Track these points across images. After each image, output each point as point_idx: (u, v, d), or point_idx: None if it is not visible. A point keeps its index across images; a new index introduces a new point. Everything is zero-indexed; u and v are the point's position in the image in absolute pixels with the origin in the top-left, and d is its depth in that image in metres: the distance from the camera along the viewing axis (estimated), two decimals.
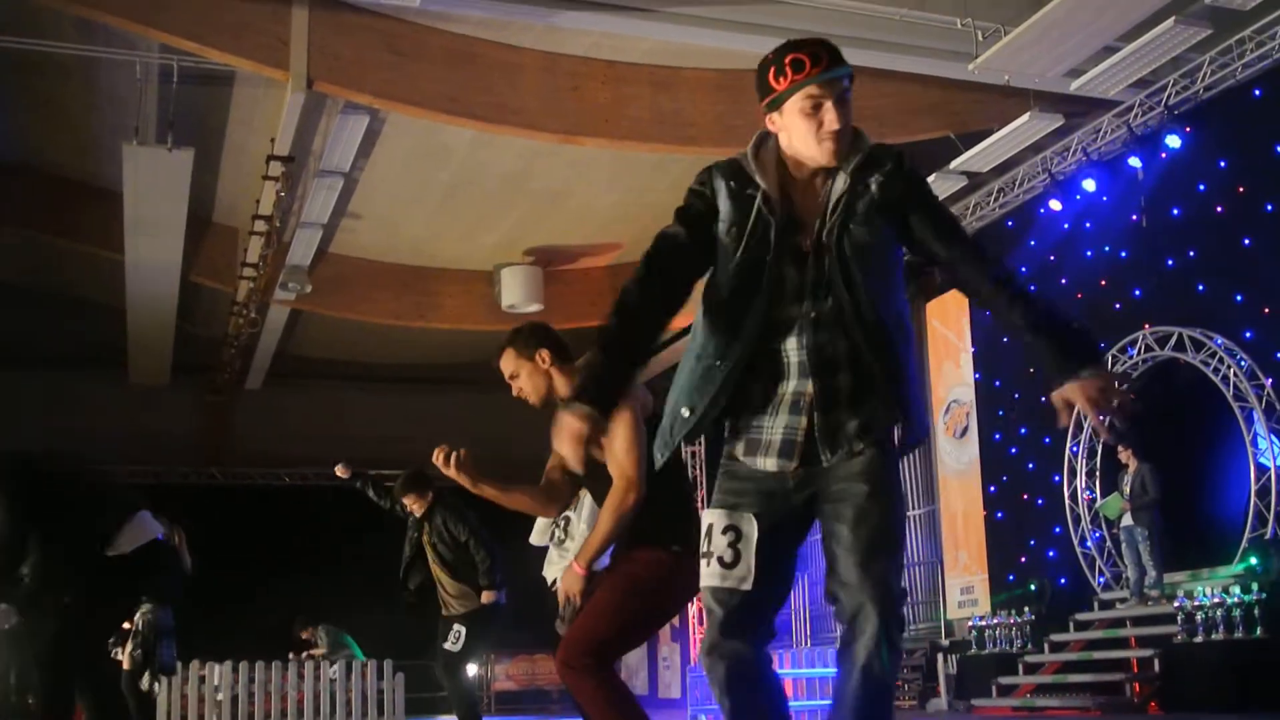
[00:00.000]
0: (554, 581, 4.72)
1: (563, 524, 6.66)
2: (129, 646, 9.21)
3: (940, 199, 3.01)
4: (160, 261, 12.51)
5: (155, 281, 13.03)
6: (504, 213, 13.12)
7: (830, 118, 2.91)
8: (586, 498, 5.48)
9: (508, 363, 4.39)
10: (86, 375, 16.11)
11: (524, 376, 4.35)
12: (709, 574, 2.91)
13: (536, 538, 6.30)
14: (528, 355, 4.33)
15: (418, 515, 7.49)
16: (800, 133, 2.94)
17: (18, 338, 15.35)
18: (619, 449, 4.16)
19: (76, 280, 14.25)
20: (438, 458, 4.22)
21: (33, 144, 11.67)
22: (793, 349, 2.93)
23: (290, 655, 13.26)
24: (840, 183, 2.93)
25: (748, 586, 2.86)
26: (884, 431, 2.91)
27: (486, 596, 7.19)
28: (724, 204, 2.99)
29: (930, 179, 11.18)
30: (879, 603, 2.79)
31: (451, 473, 4.25)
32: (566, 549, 6.62)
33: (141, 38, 9.49)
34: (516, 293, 14.01)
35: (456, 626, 7.15)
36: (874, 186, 2.92)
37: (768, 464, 2.94)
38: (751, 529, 2.90)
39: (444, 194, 12.67)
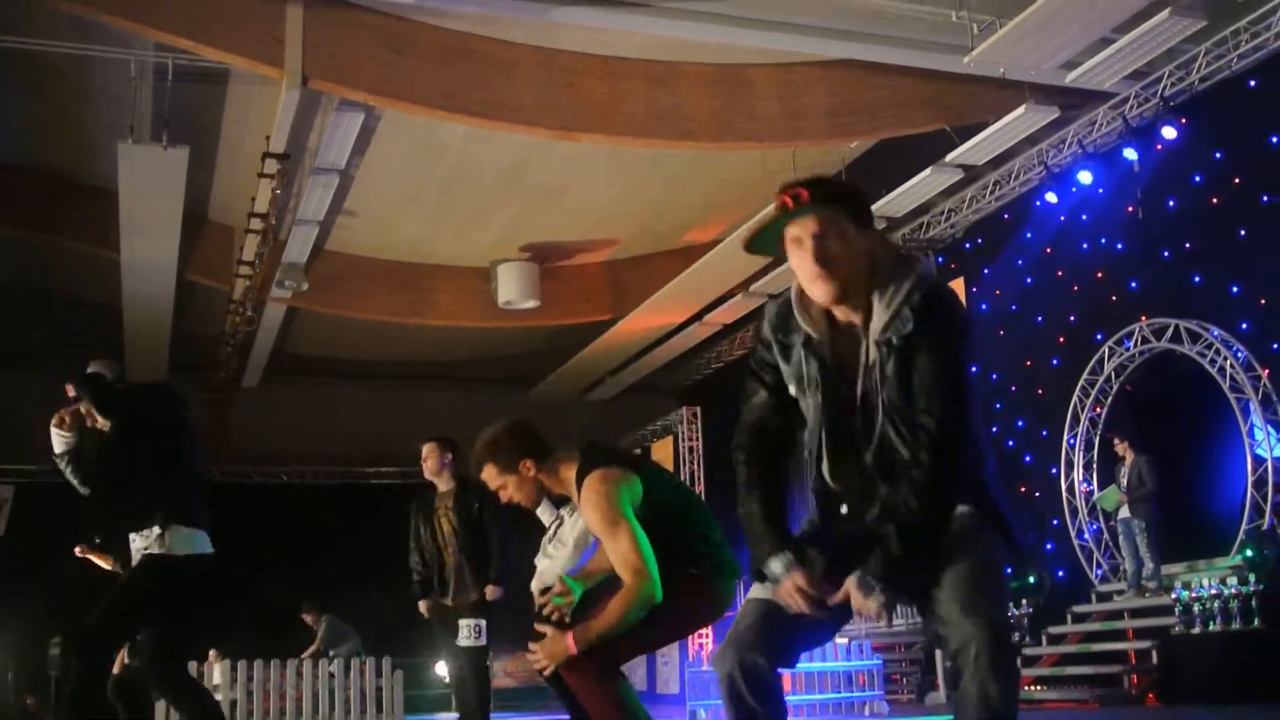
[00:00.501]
0: (545, 589, 4.71)
1: (555, 525, 6.68)
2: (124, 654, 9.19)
3: (958, 352, 2.89)
4: (156, 260, 12.48)
5: (151, 280, 13.00)
6: (500, 209, 13.11)
7: (803, 259, 2.88)
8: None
9: (491, 478, 4.31)
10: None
11: (512, 488, 4.28)
12: (762, 588, 2.96)
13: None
14: (512, 469, 4.25)
15: (443, 490, 7.21)
16: (799, 275, 2.93)
17: (14, 336, 15.32)
18: (618, 545, 4.03)
19: (72, 278, 14.21)
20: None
21: (27, 142, 11.64)
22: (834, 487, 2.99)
23: (291, 658, 13.26)
24: (871, 347, 2.90)
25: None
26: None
27: (493, 592, 7.01)
28: (781, 362, 3.00)
29: (926, 172, 11.29)
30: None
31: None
32: (550, 554, 6.66)
33: (136, 36, 9.46)
34: (513, 289, 14.00)
35: (475, 621, 6.88)
36: (897, 341, 2.87)
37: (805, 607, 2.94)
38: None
39: (440, 190, 12.66)
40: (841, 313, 2.95)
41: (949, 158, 11.19)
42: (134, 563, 5.10)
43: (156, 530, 5.01)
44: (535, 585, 6.45)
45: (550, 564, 6.51)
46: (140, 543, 5.08)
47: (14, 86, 10.54)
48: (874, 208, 12.18)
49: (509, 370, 17.52)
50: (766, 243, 2.97)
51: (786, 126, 10.63)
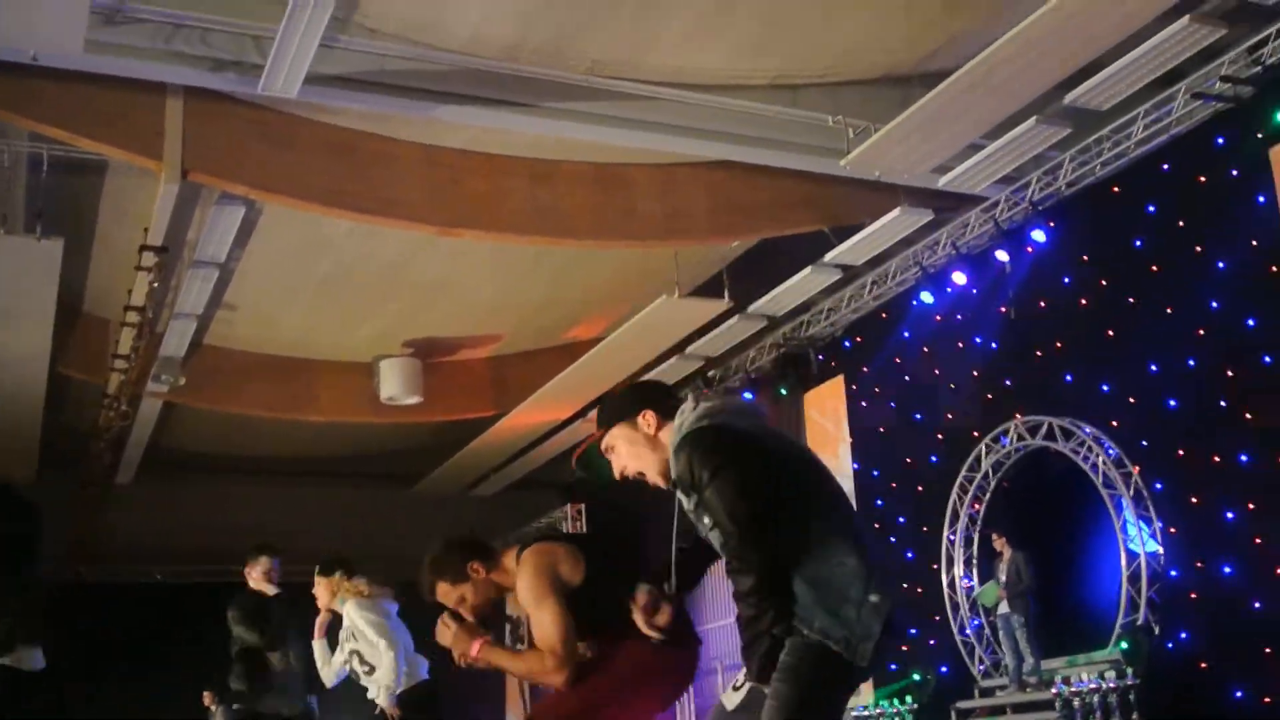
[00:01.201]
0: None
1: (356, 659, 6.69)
2: None
3: (715, 487, 3.23)
4: (28, 352, 12.18)
5: (22, 372, 12.66)
6: (383, 304, 13.04)
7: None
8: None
9: (446, 595, 4.42)
10: None
11: (470, 596, 4.40)
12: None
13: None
14: (463, 577, 4.41)
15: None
16: None
17: None
18: (541, 620, 4.17)
19: None
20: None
21: None
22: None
23: None
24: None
25: None
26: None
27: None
28: None
29: (805, 272, 11.49)
30: None
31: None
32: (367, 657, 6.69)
33: (10, 125, 9.31)
34: (395, 385, 13.89)
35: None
36: (683, 500, 3.38)
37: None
38: None
39: (322, 285, 12.56)
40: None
41: (827, 257, 11.40)
42: None
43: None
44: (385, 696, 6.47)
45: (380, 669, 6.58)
46: None
47: None
48: (754, 307, 12.41)
49: (393, 466, 17.32)
50: (598, 467, 3.66)
51: (667, 225, 10.77)
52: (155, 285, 10.94)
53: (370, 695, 6.76)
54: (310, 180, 9.89)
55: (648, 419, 3.53)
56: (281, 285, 12.54)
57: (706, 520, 3.25)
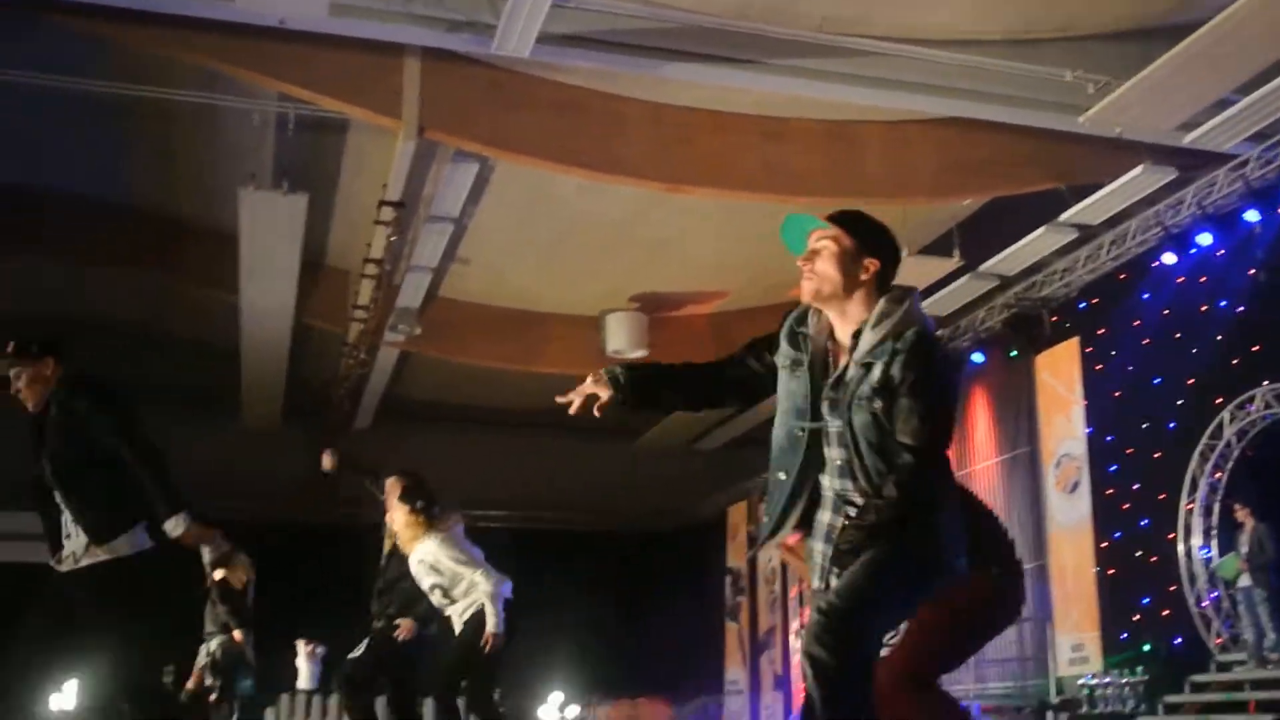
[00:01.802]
0: None
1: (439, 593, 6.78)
2: (203, 674, 9.57)
3: (929, 386, 3.29)
4: (274, 304, 12.79)
5: (269, 323, 13.32)
6: (611, 260, 13.20)
7: (802, 259, 3.49)
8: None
9: None
10: (200, 418, 16.45)
11: None
12: None
13: None
14: None
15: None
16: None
17: (133, 380, 15.67)
18: None
19: (191, 323, 14.58)
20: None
21: (151, 187, 12.01)
22: (827, 485, 3.42)
23: None
24: (854, 367, 3.37)
25: None
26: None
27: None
28: (784, 343, 3.56)
29: (1040, 231, 11.14)
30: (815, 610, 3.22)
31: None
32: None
33: (260, 87, 9.74)
34: (622, 339, 14.06)
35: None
36: (877, 372, 3.32)
37: (815, 583, 3.46)
38: None
39: (552, 240, 12.79)
40: (839, 330, 3.45)
41: (1063, 217, 11.03)
42: None
43: None
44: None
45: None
46: None
47: (141, 133, 10.89)
48: (985, 266, 12.11)
49: (618, 419, 17.53)
50: (794, 237, 3.54)
51: (896, 183, 10.58)
52: (393, 239, 11.32)
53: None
54: (541, 138, 10.06)
55: (873, 266, 3.44)
56: (512, 240, 12.82)
57: (871, 401, 3.29)
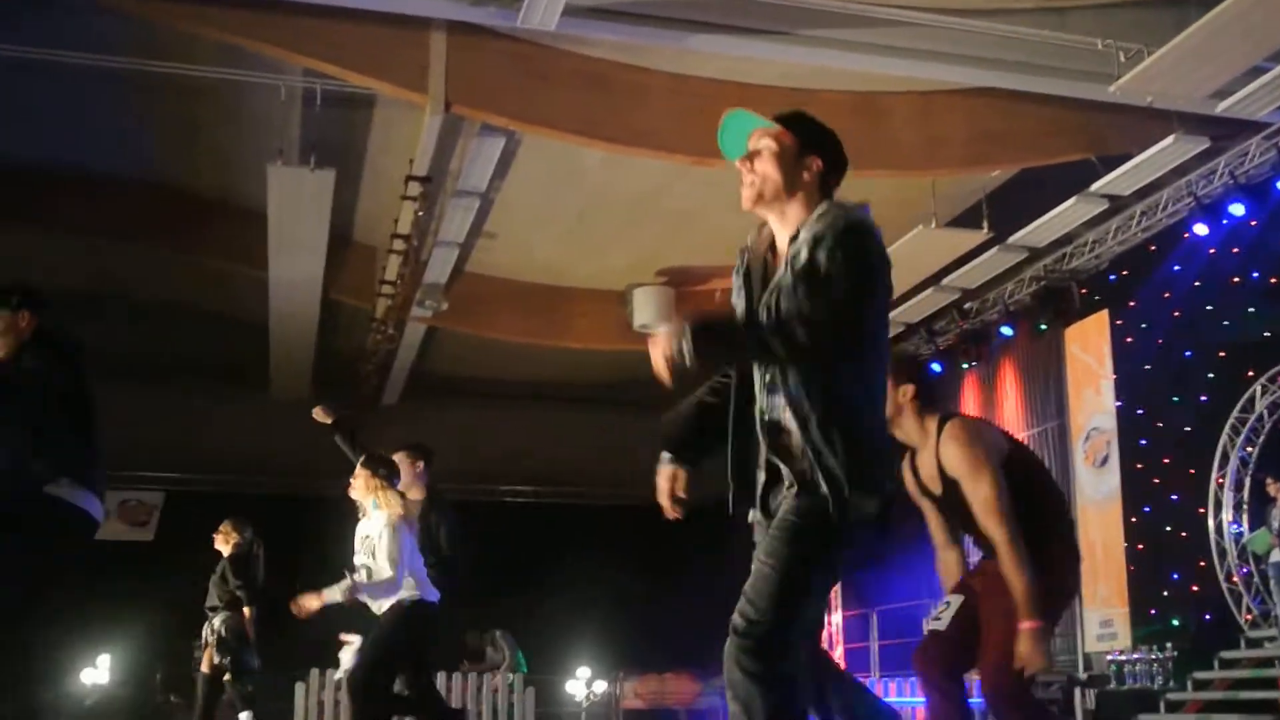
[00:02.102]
0: None
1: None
2: (212, 653, 9.63)
3: (855, 272, 3.13)
4: (302, 279, 12.81)
5: (297, 298, 13.35)
6: (636, 233, 13.17)
7: (742, 163, 3.35)
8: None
9: None
10: (230, 392, 16.54)
11: None
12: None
13: None
14: None
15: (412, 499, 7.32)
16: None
17: (162, 354, 15.85)
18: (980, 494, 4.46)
19: (219, 297, 14.64)
20: None
21: (178, 164, 12.04)
22: (759, 410, 3.26)
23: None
24: (784, 267, 3.21)
25: None
26: (813, 493, 3.10)
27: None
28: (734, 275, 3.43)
29: (1070, 202, 11.04)
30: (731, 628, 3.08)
31: None
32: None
33: (285, 62, 9.73)
34: (648, 313, 14.04)
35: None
36: (803, 254, 3.16)
37: (753, 516, 3.35)
38: None
39: (577, 215, 12.77)
40: (780, 237, 3.31)
41: (1093, 187, 10.93)
42: None
43: None
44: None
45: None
46: None
47: (166, 111, 10.91)
48: (1014, 238, 12.03)
49: (643, 393, 17.40)
50: (732, 141, 3.41)
51: (924, 154, 10.50)
52: (420, 214, 11.33)
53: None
54: (566, 112, 10.03)
55: (816, 164, 3.34)
56: (538, 214, 12.81)
57: (795, 289, 3.13)
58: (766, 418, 3.23)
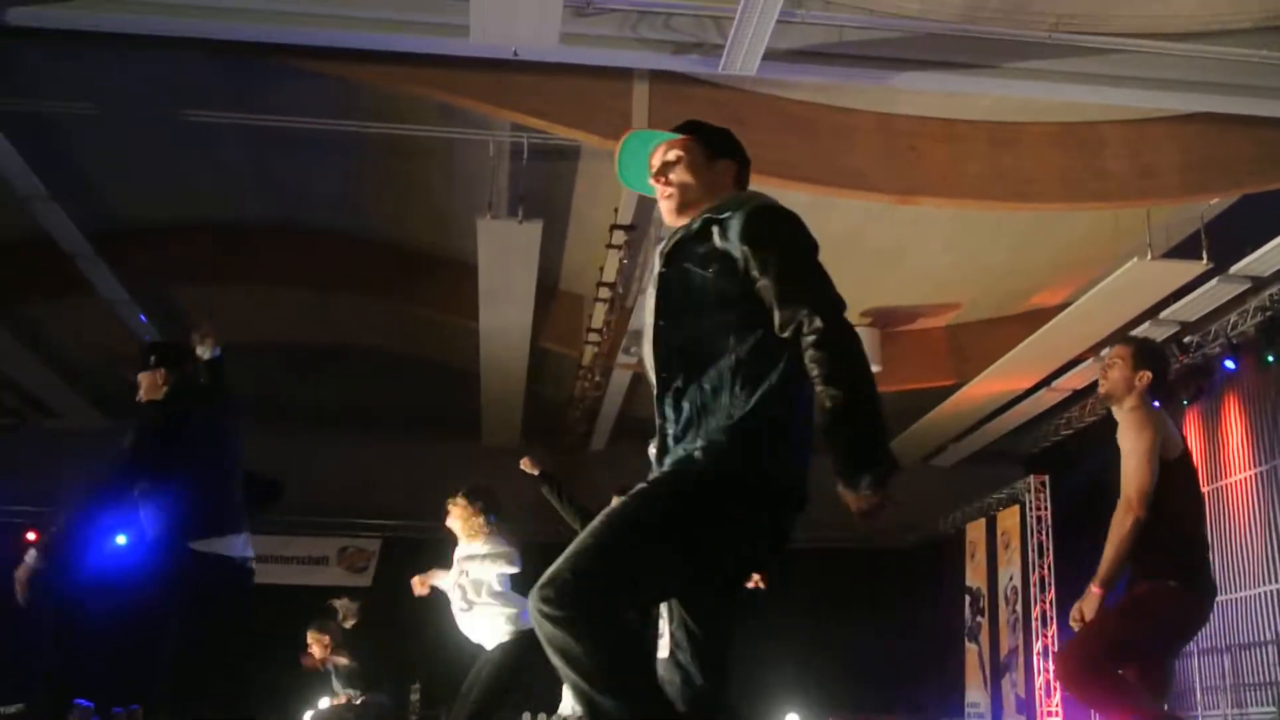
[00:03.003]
0: None
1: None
2: None
3: (785, 244, 3.14)
4: (512, 328, 13.12)
5: (507, 347, 13.66)
6: (838, 274, 12.95)
7: (660, 188, 3.36)
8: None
9: None
10: (442, 438, 16.97)
11: None
12: None
13: None
14: None
15: None
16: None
17: (378, 404, 16.40)
18: (1131, 460, 4.71)
19: (432, 347, 15.08)
20: None
21: (393, 219, 12.50)
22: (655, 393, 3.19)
23: None
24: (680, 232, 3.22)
25: None
26: (692, 459, 3.00)
27: None
28: None
29: None
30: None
31: None
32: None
33: (493, 118, 10.02)
34: None
35: None
36: (696, 226, 3.18)
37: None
38: None
39: None
40: None
41: None
42: None
43: None
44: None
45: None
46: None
47: (385, 169, 11.34)
48: (1236, 268, 11.55)
49: None
50: (633, 169, 3.44)
51: (1138, 185, 10.18)
52: (625, 262, 11.50)
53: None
54: (769, 155, 10.04)
55: (728, 169, 3.40)
56: None
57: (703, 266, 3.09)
58: (659, 430, 3.18)
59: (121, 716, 13.71)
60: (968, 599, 16.93)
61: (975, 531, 16.84)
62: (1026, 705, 14.76)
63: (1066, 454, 16.13)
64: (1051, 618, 14.41)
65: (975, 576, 16.80)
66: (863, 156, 10.11)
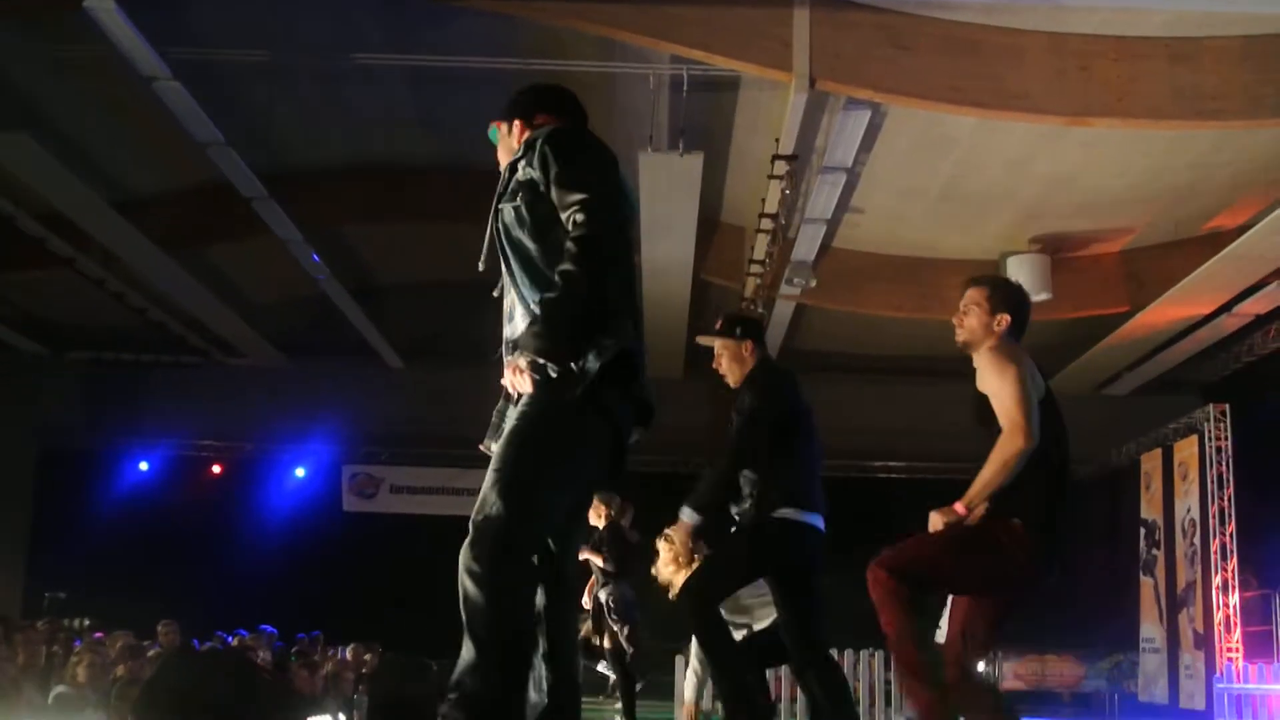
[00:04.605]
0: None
1: None
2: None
3: (567, 165, 3.37)
4: (674, 261, 13.15)
5: (670, 280, 13.71)
6: (1007, 201, 12.79)
7: None
8: None
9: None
10: None
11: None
12: None
13: None
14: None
15: None
16: None
17: None
18: (1005, 392, 4.46)
19: None
20: None
21: None
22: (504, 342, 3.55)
23: None
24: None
25: None
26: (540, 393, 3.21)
27: None
28: None
29: None
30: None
31: None
32: None
33: (654, 51, 10.00)
34: (1024, 282, 13.50)
35: None
36: (510, 168, 3.51)
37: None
38: None
39: (946, 185, 12.52)
40: None
41: None
42: None
43: None
44: None
45: None
46: None
47: None
48: None
49: None
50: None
51: None
52: (787, 192, 11.40)
53: None
54: (933, 80, 9.85)
55: (542, 122, 3.67)
56: (905, 186, 12.64)
57: (513, 200, 3.43)
58: (507, 343, 3.47)
59: (304, 642, 14.26)
60: (1143, 531, 16.54)
61: (1151, 462, 16.40)
62: (1205, 640, 14.40)
63: (1248, 382, 15.58)
64: (1231, 551, 14.00)
65: (1151, 509, 16.38)
66: (1032, 78, 9.83)
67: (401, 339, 17.44)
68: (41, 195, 12.25)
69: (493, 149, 3.81)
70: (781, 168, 10.96)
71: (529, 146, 3.44)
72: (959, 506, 4.40)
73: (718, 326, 5.72)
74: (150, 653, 9.71)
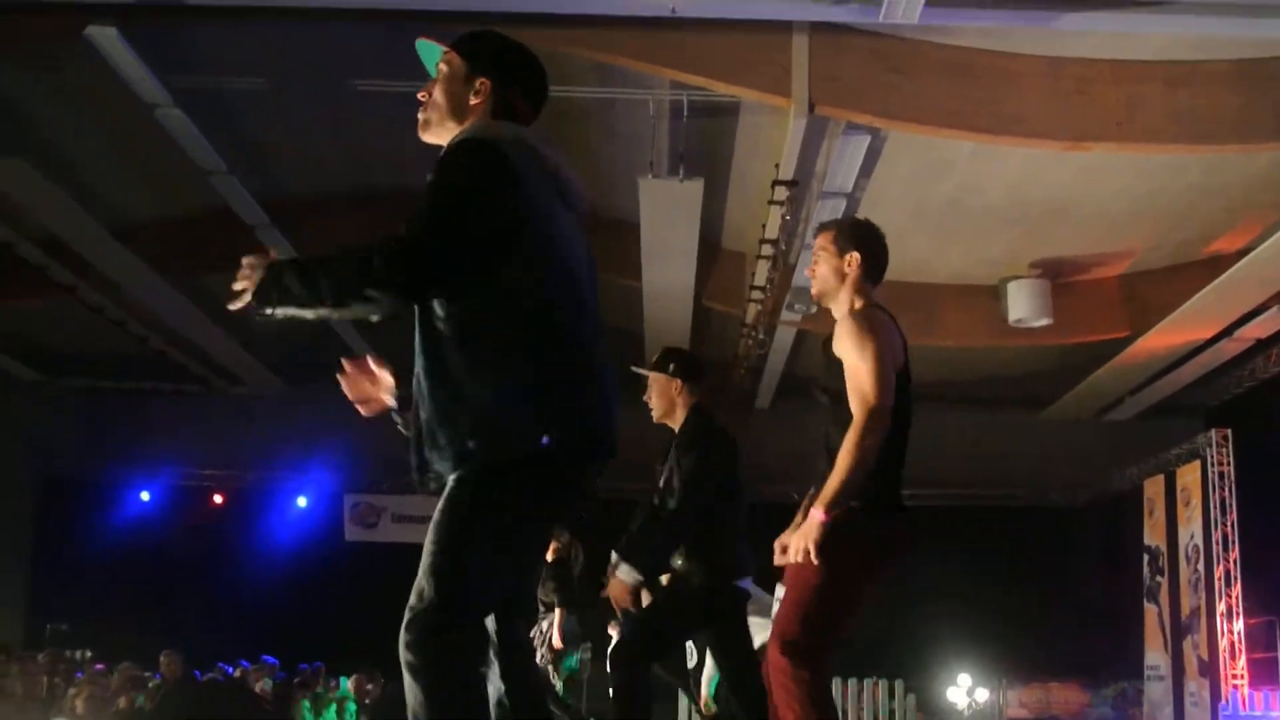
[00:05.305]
0: None
1: None
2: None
3: (452, 180, 2.88)
4: (675, 287, 13.16)
5: (671, 306, 13.72)
6: (1007, 225, 12.81)
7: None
8: None
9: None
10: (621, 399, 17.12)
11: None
12: None
13: None
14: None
15: None
16: None
17: None
18: (862, 368, 4.16)
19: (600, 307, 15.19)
20: None
21: None
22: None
23: None
24: None
25: None
26: (459, 461, 2.84)
27: None
28: None
29: None
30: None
31: None
32: None
33: (654, 76, 10.02)
34: (1024, 307, 13.61)
35: None
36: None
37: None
38: None
39: (945, 209, 12.54)
40: None
41: None
42: None
43: None
44: None
45: None
46: None
47: (545, 130, 11.41)
48: None
49: (1018, 390, 17.07)
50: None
51: None
52: (787, 218, 11.42)
53: None
54: (932, 104, 9.88)
55: (484, 86, 3.13)
56: (905, 211, 12.65)
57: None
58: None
59: (307, 673, 14.22)
60: (1146, 558, 16.50)
61: (1154, 488, 16.38)
62: (1209, 667, 14.34)
63: (1251, 407, 15.57)
64: (1235, 577, 13.97)
65: (1154, 535, 16.36)
66: (1029, 102, 9.86)
67: (404, 366, 17.41)
68: (42, 222, 12.29)
69: None
70: (782, 193, 10.98)
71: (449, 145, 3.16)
72: (822, 514, 3.98)
73: (654, 359, 5.64)
74: (152, 683, 9.68)
